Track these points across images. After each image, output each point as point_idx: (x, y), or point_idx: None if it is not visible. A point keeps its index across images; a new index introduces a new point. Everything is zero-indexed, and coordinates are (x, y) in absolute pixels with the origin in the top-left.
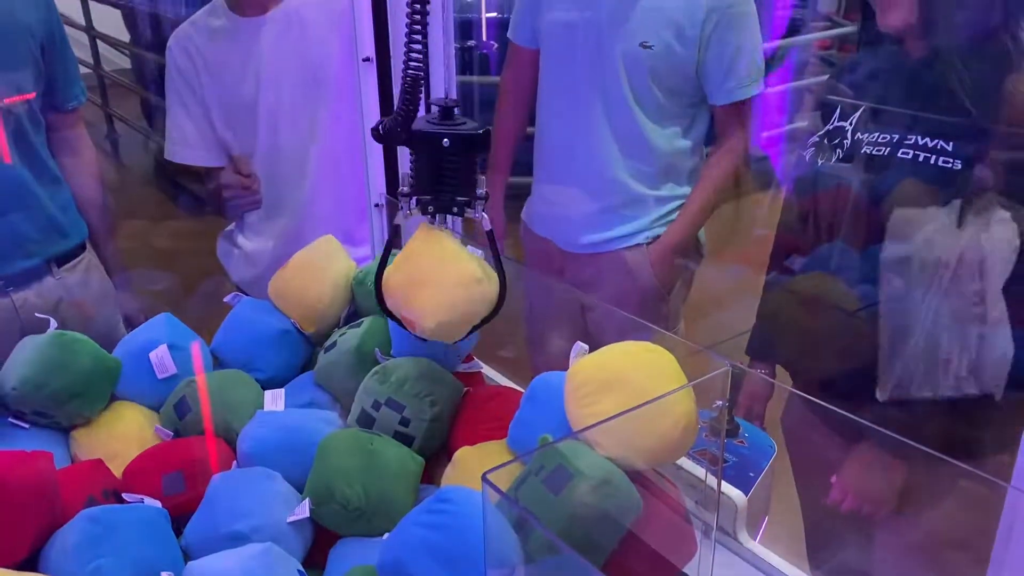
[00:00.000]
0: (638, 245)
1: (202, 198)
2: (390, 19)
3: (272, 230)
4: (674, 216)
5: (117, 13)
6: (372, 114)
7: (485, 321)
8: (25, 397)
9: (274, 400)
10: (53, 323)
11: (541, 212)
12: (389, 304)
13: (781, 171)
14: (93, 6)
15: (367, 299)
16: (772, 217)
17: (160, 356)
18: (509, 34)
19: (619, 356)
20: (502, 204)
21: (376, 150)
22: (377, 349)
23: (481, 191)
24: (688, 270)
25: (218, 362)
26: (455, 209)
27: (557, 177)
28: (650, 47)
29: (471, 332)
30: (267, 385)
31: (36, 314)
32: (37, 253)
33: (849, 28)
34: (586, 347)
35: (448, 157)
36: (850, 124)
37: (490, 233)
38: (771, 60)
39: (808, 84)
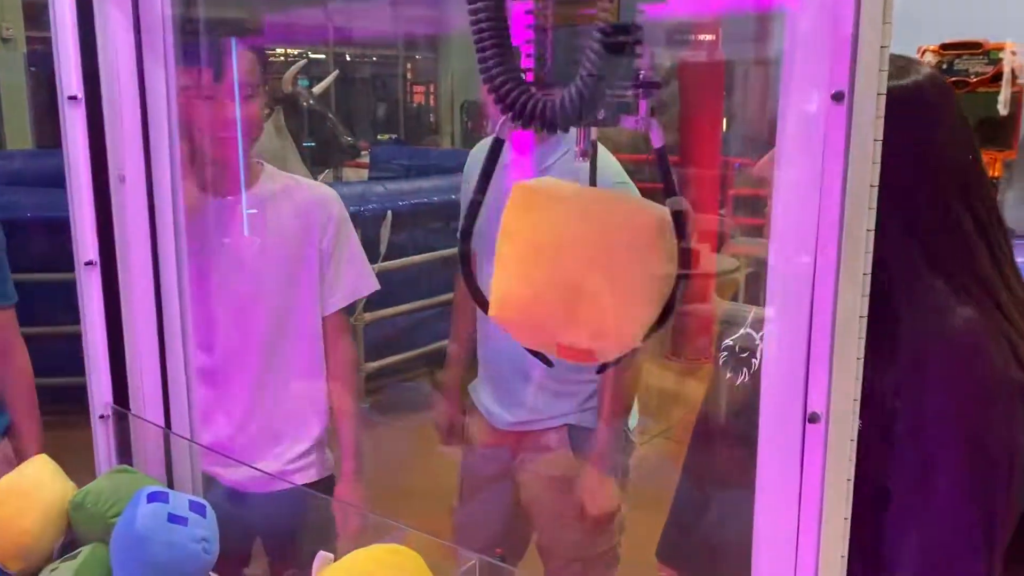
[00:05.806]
0: (560, 427)
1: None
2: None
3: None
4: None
5: None
6: (80, 158)
7: None
8: None
9: None
10: None
11: (479, 388)
12: (527, 340)
13: None
14: None
15: (87, 524)
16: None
17: None
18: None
19: (363, 562)
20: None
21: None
22: None
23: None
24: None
25: None
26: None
27: (495, 359)
28: None
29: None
30: None
31: None
32: None
33: None
34: (331, 556)
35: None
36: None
37: (661, 151)
38: None
39: None
